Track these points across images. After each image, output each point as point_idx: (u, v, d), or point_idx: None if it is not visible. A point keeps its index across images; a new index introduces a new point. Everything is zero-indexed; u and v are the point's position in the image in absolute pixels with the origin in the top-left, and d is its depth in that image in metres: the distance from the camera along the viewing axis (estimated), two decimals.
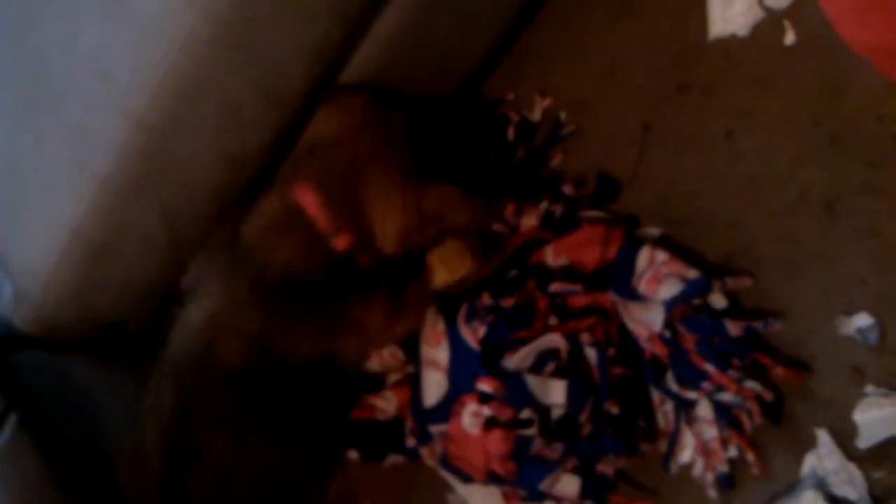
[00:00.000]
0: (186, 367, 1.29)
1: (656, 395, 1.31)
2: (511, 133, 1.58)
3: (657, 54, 1.44)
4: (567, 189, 1.44)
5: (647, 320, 1.28)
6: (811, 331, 1.23)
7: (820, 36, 1.27)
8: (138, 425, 1.33)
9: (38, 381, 1.35)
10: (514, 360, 1.28)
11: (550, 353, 1.30)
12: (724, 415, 1.24)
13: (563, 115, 1.53)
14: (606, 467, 1.31)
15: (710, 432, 1.24)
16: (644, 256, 1.31)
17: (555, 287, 1.32)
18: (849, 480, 1.17)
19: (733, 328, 1.23)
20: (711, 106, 1.37)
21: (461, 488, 1.42)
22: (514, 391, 1.27)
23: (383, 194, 1.28)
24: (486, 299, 1.34)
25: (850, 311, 1.20)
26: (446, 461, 1.36)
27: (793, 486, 1.21)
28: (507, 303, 1.33)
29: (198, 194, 1.24)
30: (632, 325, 1.31)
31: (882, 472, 1.15)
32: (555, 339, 1.29)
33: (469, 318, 1.33)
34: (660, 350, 1.27)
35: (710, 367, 1.22)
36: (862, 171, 1.22)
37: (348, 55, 1.28)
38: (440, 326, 1.36)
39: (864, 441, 1.17)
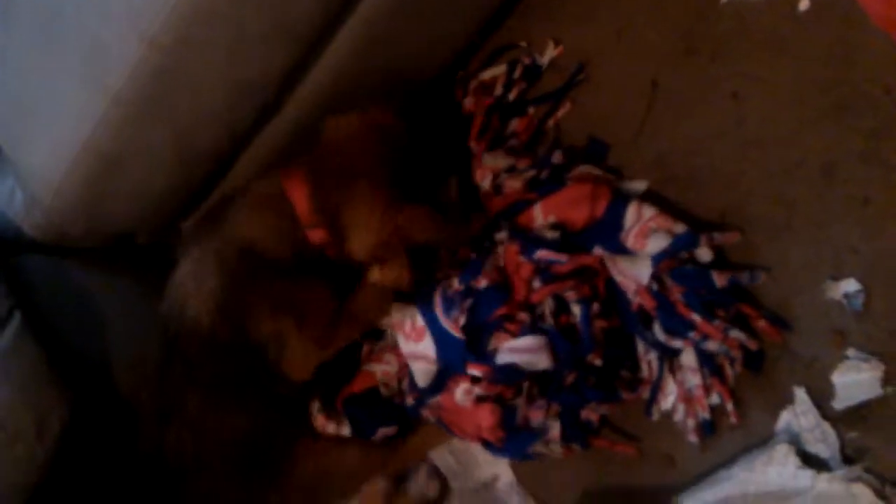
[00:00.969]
0: (168, 325, 1.34)
1: (641, 346, 1.34)
2: (518, 73, 1.59)
3: (671, 12, 1.45)
4: (556, 157, 1.47)
5: (634, 274, 1.31)
6: (798, 292, 1.26)
7: (833, 4, 1.28)
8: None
9: (44, 284, 1.37)
10: (503, 355, 1.31)
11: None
12: (708, 363, 1.27)
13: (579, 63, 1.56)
14: (590, 414, 1.35)
15: (694, 380, 1.28)
16: (632, 212, 1.35)
17: (541, 255, 1.34)
18: (822, 438, 1.21)
19: (719, 279, 1.27)
20: (720, 67, 1.38)
21: None
22: (503, 372, 1.31)
23: (365, 210, 1.34)
24: (457, 284, 1.36)
25: (837, 276, 1.23)
26: (441, 421, 1.42)
27: (767, 440, 1.24)
28: (480, 283, 1.35)
29: (207, 116, 1.25)
30: (619, 279, 1.33)
31: (855, 434, 1.19)
32: (537, 347, 1.31)
33: (447, 309, 1.35)
34: (647, 302, 1.29)
35: (696, 318, 1.26)
36: (862, 141, 1.24)
37: None
38: (419, 321, 1.38)
39: (840, 402, 1.20)
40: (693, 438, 1.29)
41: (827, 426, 1.21)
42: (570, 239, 1.38)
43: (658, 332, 1.30)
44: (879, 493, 1.14)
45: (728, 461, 1.27)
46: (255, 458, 1.37)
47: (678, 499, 1.28)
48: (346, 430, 1.42)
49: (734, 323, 1.27)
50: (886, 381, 1.17)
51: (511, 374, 1.31)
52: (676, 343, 1.28)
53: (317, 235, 1.35)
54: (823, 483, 1.16)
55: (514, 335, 1.31)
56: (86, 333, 1.37)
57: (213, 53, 1.19)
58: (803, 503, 1.17)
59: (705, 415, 1.28)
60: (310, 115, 1.40)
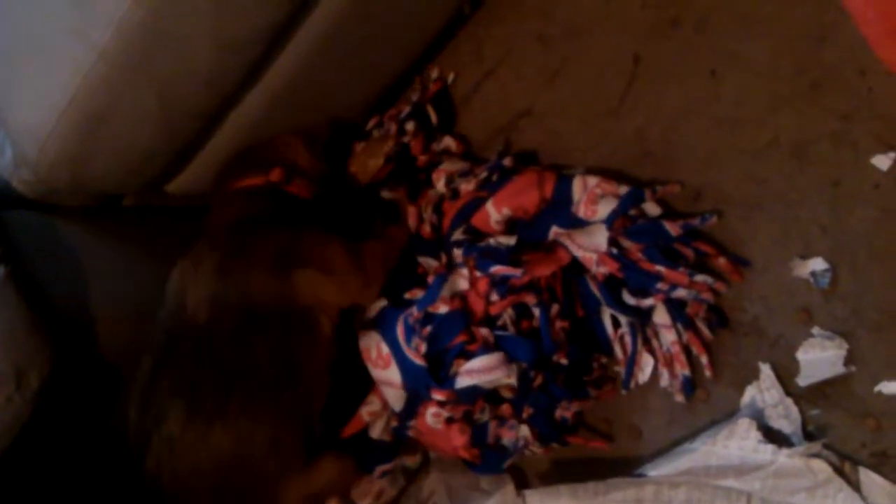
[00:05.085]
0: (164, 329, 1.33)
1: (610, 327, 1.37)
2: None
3: None
4: (506, 162, 1.50)
5: (593, 244, 1.33)
6: (767, 270, 1.28)
7: None
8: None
9: (32, 240, 1.37)
10: (462, 379, 1.31)
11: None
12: (680, 316, 1.30)
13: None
14: (564, 412, 1.37)
15: (670, 337, 1.31)
16: (578, 184, 1.39)
17: (496, 270, 1.34)
18: (785, 415, 1.23)
19: (672, 228, 1.30)
20: (701, 42, 1.38)
21: None
22: (465, 394, 1.32)
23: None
24: (416, 311, 1.36)
25: (805, 255, 1.24)
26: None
27: (732, 415, 1.26)
28: (438, 309, 1.35)
29: (192, 75, 1.25)
30: (580, 254, 1.35)
31: (817, 411, 1.21)
32: (493, 366, 1.31)
33: (408, 338, 1.36)
34: (611, 265, 1.31)
35: (660, 268, 1.29)
36: (834, 122, 1.24)
37: None
38: (384, 349, 1.39)
39: (804, 379, 1.22)
40: (679, 399, 1.31)
41: (790, 402, 1.23)
42: (526, 226, 1.42)
43: (627, 298, 1.32)
44: (837, 470, 1.16)
45: (693, 434, 1.29)
46: (237, 487, 1.28)
47: (641, 470, 1.30)
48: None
49: (699, 268, 1.30)
50: (849, 359, 1.19)
51: (473, 395, 1.32)
52: (647, 302, 1.30)
53: (275, 174, 1.44)
54: (783, 458, 1.18)
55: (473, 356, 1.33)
56: (69, 290, 1.38)
57: (199, 9, 1.19)
58: (763, 477, 1.18)
59: (685, 371, 1.30)
60: (299, 74, 1.41)
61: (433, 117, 1.68)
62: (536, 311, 1.33)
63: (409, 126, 1.66)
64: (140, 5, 1.14)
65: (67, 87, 1.23)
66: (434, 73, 1.72)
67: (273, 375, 1.30)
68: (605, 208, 1.34)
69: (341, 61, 1.47)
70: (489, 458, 1.37)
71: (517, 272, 1.33)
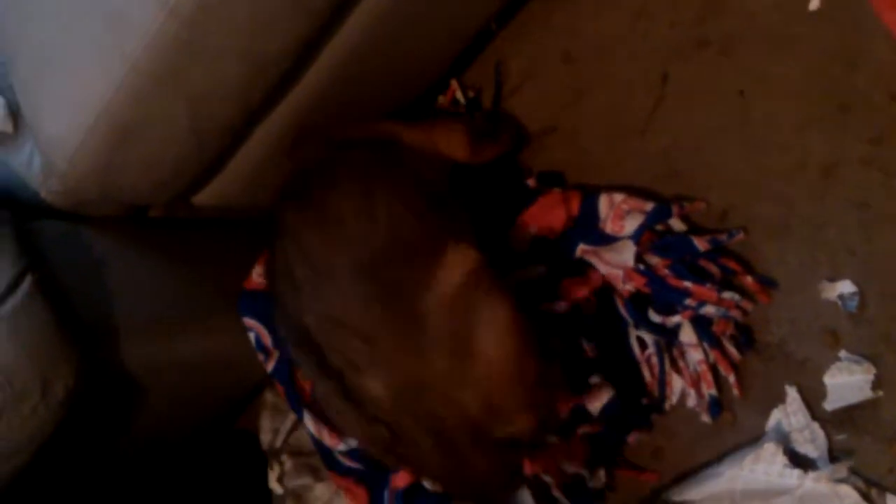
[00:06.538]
0: None
1: (638, 349, 1.37)
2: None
3: (683, 6, 1.44)
4: (531, 183, 1.50)
5: (620, 261, 1.34)
6: (794, 292, 1.27)
7: (844, 6, 1.28)
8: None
9: (57, 250, 1.37)
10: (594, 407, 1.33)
11: None
12: (706, 335, 1.29)
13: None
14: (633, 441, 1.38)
15: (696, 356, 1.30)
16: (604, 201, 1.39)
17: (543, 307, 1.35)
18: (811, 439, 1.22)
19: (700, 243, 1.30)
20: (728, 63, 1.38)
21: None
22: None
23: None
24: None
25: (833, 278, 1.24)
26: None
27: (758, 438, 1.26)
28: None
29: (221, 89, 1.25)
30: (607, 271, 1.36)
31: (843, 435, 1.20)
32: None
33: None
34: (638, 281, 1.32)
35: (688, 284, 1.29)
36: (864, 145, 1.24)
37: None
38: None
39: (830, 403, 1.21)
40: (706, 419, 1.30)
41: (816, 427, 1.22)
42: (553, 245, 1.42)
43: (653, 316, 1.32)
44: (864, 495, 1.15)
45: (717, 458, 1.29)
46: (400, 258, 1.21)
47: (666, 495, 1.29)
48: None
49: (726, 285, 1.30)
50: (877, 384, 1.18)
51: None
52: (674, 320, 1.30)
53: None
54: (810, 482, 1.17)
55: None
56: (96, 300, 1.38)
57: (230, 26, 1.19)
58: (790, 501, 1.18)
59: (712, 392, 1.30)
60: (326, 89, 1.40)
61: None
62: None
63: None
64: (175, 18, 1.15)
65: (99, 99, 1.24)
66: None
67: None
68: (631, 224, 1.34)
69: (367, 77, 1.47)
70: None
71: (561, 306, 1.34)
